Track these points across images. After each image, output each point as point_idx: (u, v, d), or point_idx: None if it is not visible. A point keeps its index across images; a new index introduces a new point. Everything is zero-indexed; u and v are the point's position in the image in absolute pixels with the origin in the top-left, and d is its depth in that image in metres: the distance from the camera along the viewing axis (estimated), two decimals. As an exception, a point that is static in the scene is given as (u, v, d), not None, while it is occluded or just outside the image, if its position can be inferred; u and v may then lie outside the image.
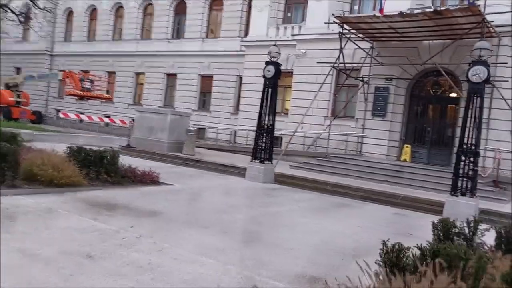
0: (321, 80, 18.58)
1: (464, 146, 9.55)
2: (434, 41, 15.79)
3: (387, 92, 17.02)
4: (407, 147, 16.75)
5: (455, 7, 12.72)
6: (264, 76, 12.54)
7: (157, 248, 5.21)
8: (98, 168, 9.08)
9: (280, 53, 12.61)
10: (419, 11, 13.19)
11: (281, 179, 12.70)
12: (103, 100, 28.70)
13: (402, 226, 8.36)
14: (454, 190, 9.55)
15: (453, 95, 16.81)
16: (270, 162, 12.57)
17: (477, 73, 9.33)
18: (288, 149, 15.04)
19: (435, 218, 9.37)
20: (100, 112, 29.12)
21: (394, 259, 3.60)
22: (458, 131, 15.92)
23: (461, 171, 9.55)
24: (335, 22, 15.08)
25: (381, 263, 3.77)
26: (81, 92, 24.63)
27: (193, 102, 26.09)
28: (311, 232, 7.05)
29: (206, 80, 25.77)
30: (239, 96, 24.17)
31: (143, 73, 28.99)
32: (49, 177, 7.99)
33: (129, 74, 29.45)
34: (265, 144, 12.46)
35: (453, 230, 5.41)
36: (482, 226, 5.33)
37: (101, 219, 6.36)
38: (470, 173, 9.46)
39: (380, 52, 16.92)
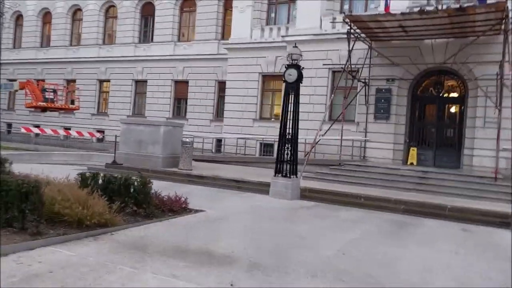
0: (316, 83, 17.70)
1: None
2: (436, 40, 15.27)
3: (390, 93, 16.29)
4: (413, 150, 16.12)
5: (479, 4, 12.07)
6: (284, 81, 11.29)
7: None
8: (124, 199, 7.48)
9: (301, 55, 11.38)
10: (440, 7, 12.47)
11: (306, 194, 11.47)
12: (62, 111, 26.20)
13: (494, 249, 7.41)
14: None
15: (456, 94, 16.40)
16: (295, 176, 11.31)
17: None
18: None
19: (507, 233, 8.65)
20: (59, 124, 26.60)
21: None
22: (465, 132, 15.60)
23: None
24: (344, 22, 14.09)
25: None
26: (44, 103, 22.07)
27: (166, 109, 24.28)
28: (424, 268, 5.80)
29: (181, 86, 24.06)
30: (218, 102, 22.80)
31: (107, 80, 26.75)
32: (76, 217, 6.33)
33: (92, 82, 27.05)
34: (289, 156, 11.18)
35: None
36: None
37: (180, 274, 4.87)
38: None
39: (380, 52, 16.17)
